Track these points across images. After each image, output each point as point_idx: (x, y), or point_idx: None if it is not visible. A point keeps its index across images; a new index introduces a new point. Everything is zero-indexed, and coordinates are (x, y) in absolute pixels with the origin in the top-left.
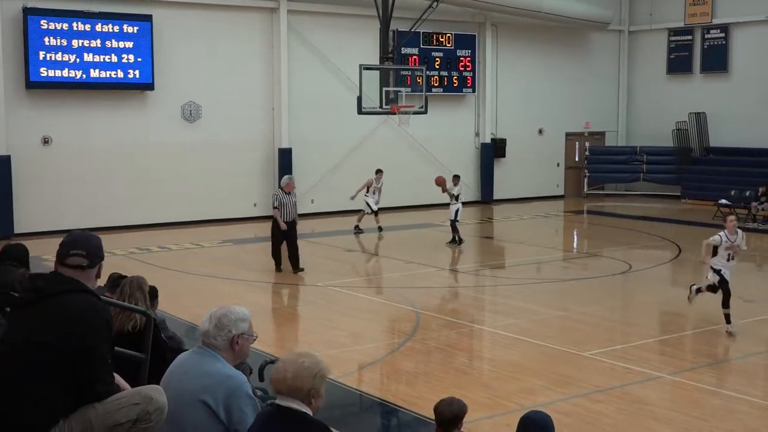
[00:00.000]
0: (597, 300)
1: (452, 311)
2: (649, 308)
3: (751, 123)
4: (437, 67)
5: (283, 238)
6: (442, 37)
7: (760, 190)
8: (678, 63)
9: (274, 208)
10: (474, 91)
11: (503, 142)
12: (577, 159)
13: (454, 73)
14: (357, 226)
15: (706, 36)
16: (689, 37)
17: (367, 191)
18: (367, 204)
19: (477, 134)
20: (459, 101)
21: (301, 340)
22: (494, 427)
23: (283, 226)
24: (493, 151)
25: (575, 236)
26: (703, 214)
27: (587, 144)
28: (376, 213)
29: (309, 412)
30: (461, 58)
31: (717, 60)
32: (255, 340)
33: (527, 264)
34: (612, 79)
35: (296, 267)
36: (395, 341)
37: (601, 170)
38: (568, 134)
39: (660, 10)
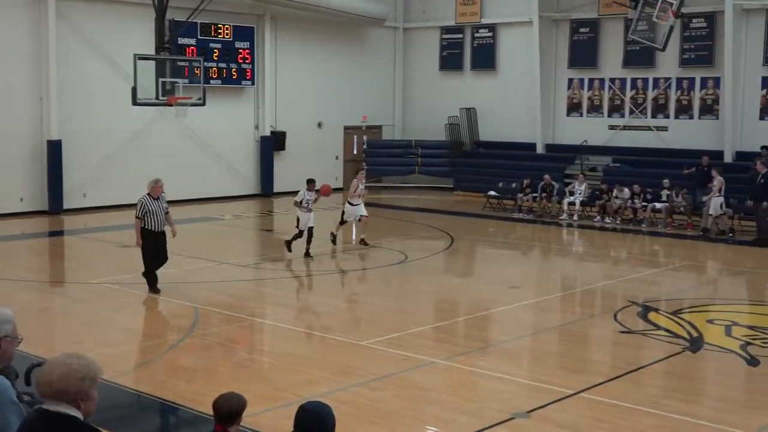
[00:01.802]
0: (376, 290)
1: (232, 305)
2: (425, 297)
3: (517, 118)
4: (216, 58)
5: (156, 253)
6: (220, 29)
7: (525, 182)
8: (450, 60)
9: (137, 218)
10: (253, 84)
11: (283, 135)
12: (355, 152)
13: (233, 65)
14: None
15: (475, 35)
16: (460, 36)
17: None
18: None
19: (257, 127)
20: (238, 93)
21: (74, 341)
22: (275, 419)
23: (139, 242)
24: (272, 144)
25: (354, 228)
26: (474, 205)
27: (365, 137)
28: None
29: (79, 416)
30: (240, 50)
31: (486, 58)
32: (20, 342)
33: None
34: (388, 74)
35: (155, 286)
36: (173, 338)
37: (378, 163)
38: (346, 128)
39: (433, 9)
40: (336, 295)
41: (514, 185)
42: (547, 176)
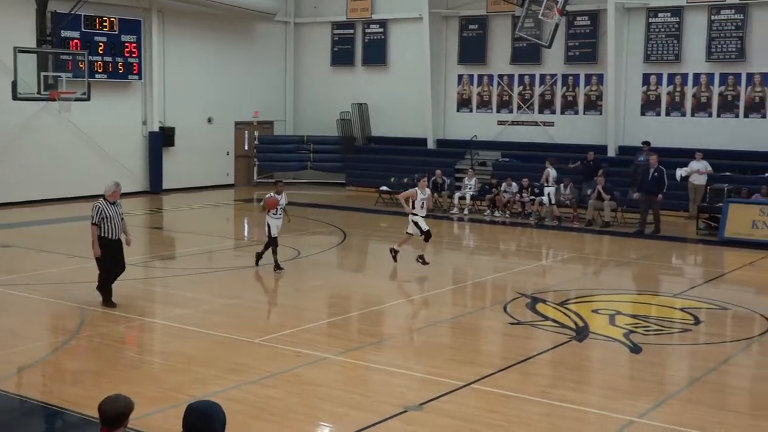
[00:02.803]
0: (268, 287)
1: (121, 305)
2: (318, 292)
3: (408, 114)
4: (101, 52)
5: (114, 263)
6: (105, 21)
7: (416, 177)
8: (341, 56)
9: (94, 224)
10: (141, 79)
11: (172, 130)
12: (246, 148)
13: (119, 59)
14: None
15: (366, 31)
16: (351, 31)
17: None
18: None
19: (144, 122)
20: (125, 88)
21: None
22: (165, 420)
23: (97, 252)
24: (161, 139)
25: (246, 224)
26: (367, 200)
27: (256, 133)
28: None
29: None
30: (127, 44)
31: (377, 54)
32: None
33: (198, 254)
34: (280, 69)
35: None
36: (58, 339)
37: (270, 159)
38: (237, 123)
39: (324, 4)
40: (228, 292)
41: (405, 180)
42: (438, 171)
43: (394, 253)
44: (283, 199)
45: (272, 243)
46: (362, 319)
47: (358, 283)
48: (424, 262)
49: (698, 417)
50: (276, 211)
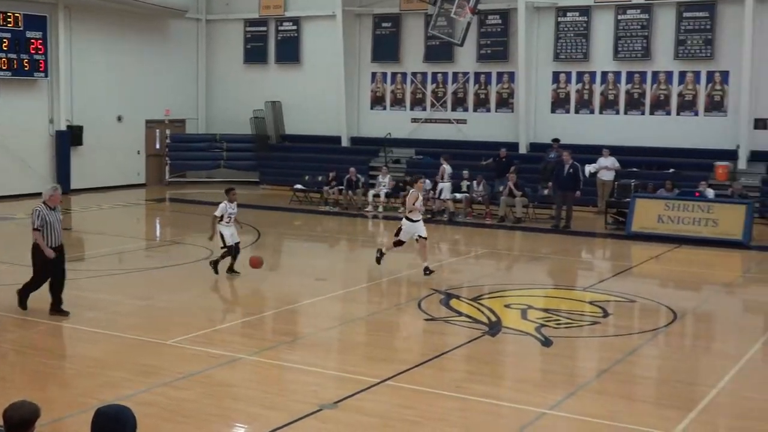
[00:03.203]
0: (181, 287)
1: (28, 309)
2: (232, 292)
3: (321, 112)
4: (5, 49)
5: (53, 270)
6: (9, 17)
7: (331, 175)
8: (254, 53)
9: (35, 229)
10: (47, 76)
11: (80, 129)
12: (158, 146)
13: (24, 56)
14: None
15: (279, 28)
16: (264, 29)
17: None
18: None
19: (51, 121)
20: (30, 86)
21: None
22: (74, 425)
23: (50, 254)
24: (69, 138)
25: (158, 224)
26: (281, 199)
27: (168, 131)
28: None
29: None
30: (32, 41)
31: (290, 51)
32: None
33: (109, 255)
34: (191, 67)
35: (60, 308)
36: None
37: (182, 158)
38: (148, 121)
39: (236, 1)
40: (140, 293)
41: (320, 178)
42: (352, 169)
43: (380, 254)
44: (235, 208)
45: (230, 252)
46: (277, 319)
47: (272, 282)
48: (429, 272)
49: (607, 407)
50: (228, 219)
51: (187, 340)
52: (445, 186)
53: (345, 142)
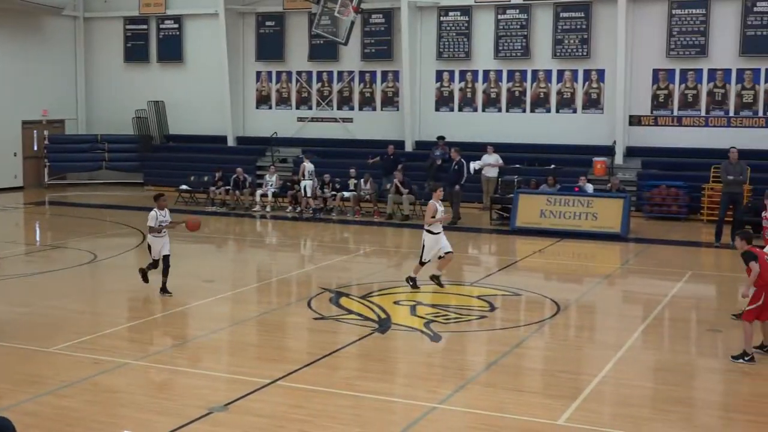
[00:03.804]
0: (63, 293)
1: None
2: (117, 296)
3: (206, 111)
4: None
5: None
6: None
7: (217, 175)
8: (135, 52)
9: None
10: None
11: None
12: (36, 148)
13: None
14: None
15: (161, 26)
16: (145, 27)
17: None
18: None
19: None
20: None
21: None
22: None
23: None
24: None
25: (37, 228)
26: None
27: (46, 132)
28: (161, 264)
29: None
30: None
31: (173, 50)
32: None
33: None
34: (69, 66)
35: None
36: None
37: (62, 159)
38: (24, 122)
39: None
40: (19, 300)
41: (206, 178)
42: (239, 169)
43: (413, 281)
44: (167, 216)
45: (156, 265)
46: (165, 322)
47: (159, 285)
48: (440, 284)
49: (496, 399)
50: (160, 229)
51: (71, 346)
52: (306, 183)
53: (231, 142)
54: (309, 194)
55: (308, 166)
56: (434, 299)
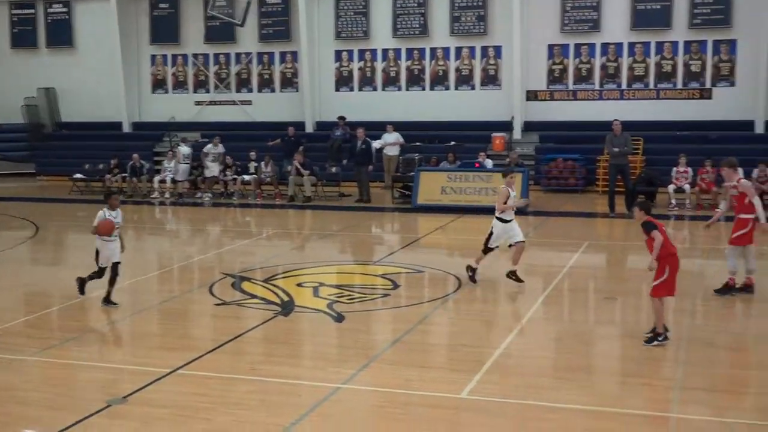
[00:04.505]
0: None
1: None
2: (10, 291)
3: (100, 97)
4: None
5: None
6: None
7: (113, 162)
8: (22, 37)
9: None
10: None
11: None
12: None
13: None
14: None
15: (49, 10)
16: (32, 11)
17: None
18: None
19: None
20: None
21: None
22: None
23: None
24: None
25: None
26: (60, 190)
27: None
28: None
29: None
30: None
31: (62, 35)
32: None
33: None
34: None
35: None
36: None
37: None
38: None
39: None
40: None
41: (101, 166)
42: (135, 155)
43: (472, 271)
44: (119, 217)
45: (101, 274)
46: (62, 315)
47: (55, 278)
48: (519, 279)
49: (400, 376)
50: (111, 233)
51: None
52: (181, 167)
53: (127, 128)
54: (182, 178)
55: (184, 149)
56: (338, 280)
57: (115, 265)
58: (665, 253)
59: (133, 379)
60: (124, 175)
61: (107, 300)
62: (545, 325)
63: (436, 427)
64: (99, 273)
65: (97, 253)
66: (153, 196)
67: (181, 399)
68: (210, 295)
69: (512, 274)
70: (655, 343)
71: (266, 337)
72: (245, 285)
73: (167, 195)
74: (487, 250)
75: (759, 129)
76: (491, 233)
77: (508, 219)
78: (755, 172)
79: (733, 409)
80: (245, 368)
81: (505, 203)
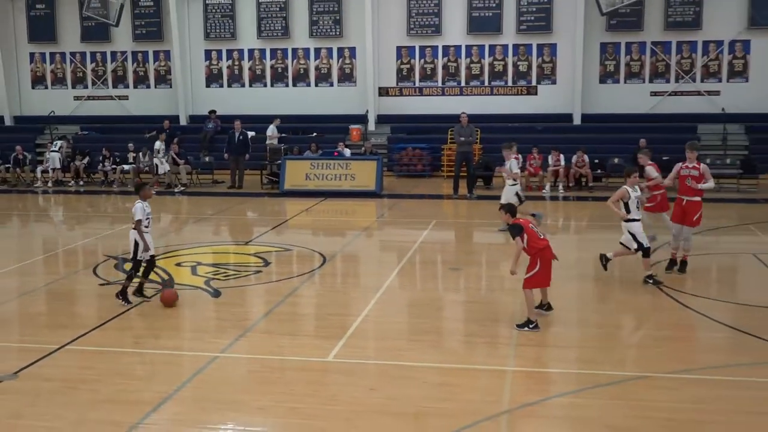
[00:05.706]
0: None
1: None
2: None
3: None
4: None
5: None
6: None
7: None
8: None
9: None
10: None
11: None
12: None
13: None
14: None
15: None
16: None
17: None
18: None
19: None
20: None
21: None
22: None
23: None
24: None
25: None
26: None
27: None
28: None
29: None
30: None
31: None
32: None
33: None
34: None
35: None
36: None
37: None
38: None
39: None
40: None
41: None
42: (18, 147)
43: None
44: (148, 208)
45: (138, 268)
46: None
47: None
48: (606, 261)
49: (273, 344)
50: (148, 224)
51: None
52: (53, 156)
53: (8, 122)
54: (58, 166)
55: (58, 142)
56: (214, 259)
57: (153, 258)
58: (534, 248)
59: (22, 357)
60: (6, 165)
61: (140, 291)
62: (400, 294)
63: (306, 388)
64: (136, 266)
65: (136, 246)
66: (36, 185)
67: (69, 372)
68: (94, 276)
69: (603, 257)
70: (526, 329)
71: (148, 313)
72: (127, 266)
73: (50, 184)
74: (647, 253)
75: (576, 121)
76: (634, 237)
77: (638, 218)
78: (573, 158)
79: (558, 361)
80: (129, 342)
81: (620, 201)
